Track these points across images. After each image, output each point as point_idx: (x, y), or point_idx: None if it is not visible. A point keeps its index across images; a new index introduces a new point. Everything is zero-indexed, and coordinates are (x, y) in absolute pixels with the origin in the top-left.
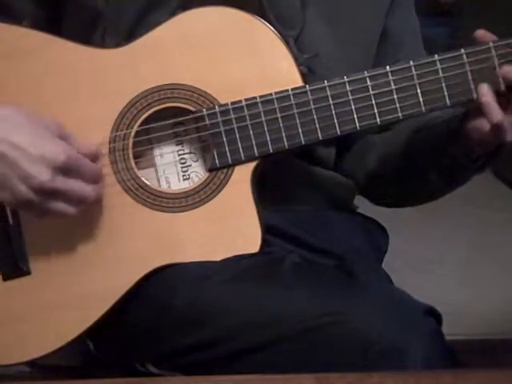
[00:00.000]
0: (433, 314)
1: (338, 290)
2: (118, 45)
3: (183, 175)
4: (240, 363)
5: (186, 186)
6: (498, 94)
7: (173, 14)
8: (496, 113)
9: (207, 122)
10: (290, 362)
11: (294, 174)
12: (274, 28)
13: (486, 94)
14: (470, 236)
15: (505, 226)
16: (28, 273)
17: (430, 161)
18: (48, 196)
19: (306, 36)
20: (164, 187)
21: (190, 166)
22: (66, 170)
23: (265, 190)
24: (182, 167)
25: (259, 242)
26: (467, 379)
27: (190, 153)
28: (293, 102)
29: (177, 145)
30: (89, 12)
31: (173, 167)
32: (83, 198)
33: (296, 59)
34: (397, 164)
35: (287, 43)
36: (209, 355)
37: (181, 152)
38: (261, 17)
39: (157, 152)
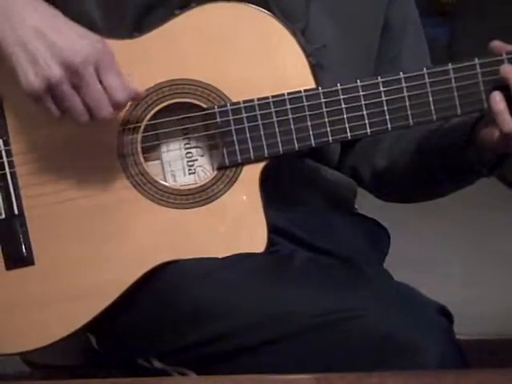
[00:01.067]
0: (444, 313)
1: (351, 287)
2: (131, 36)
3: (189, 169)
4: (248, 359)
5: (191, 179)
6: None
7: (172, 13)
8: (507, 122)
9: (218, 119)
10: (304, 357)
11: (297, 174)
12: None
13: (498, 102)
14: (470, 236)
15: (505, 226)
16: (32, 263)
17: (442, 161)
18: (72, 84)
19: (311, 29)
20: (170, 181)
21: (196, 160)
22: (99, 66)
23: (267, 190)
24: (188, 161)
25: (265, 241)
26: (467, 379)
27: (197, 147)
28: (305, 103)
29: (184, 139)
30: (84, 17)
31: (179, 162)
32: (99, 109)
33: (305, 51)
34: (407, 162)
35: (298, 38)
36: (216, 350)
37: (187, 146)
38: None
39: (164, 146)
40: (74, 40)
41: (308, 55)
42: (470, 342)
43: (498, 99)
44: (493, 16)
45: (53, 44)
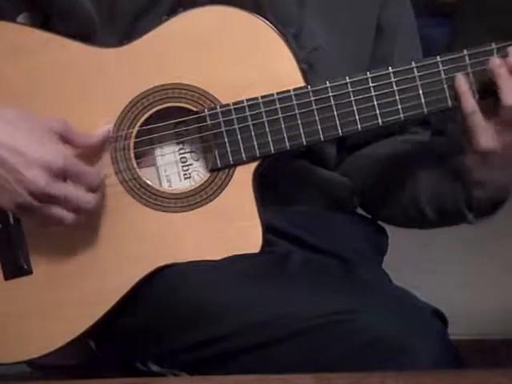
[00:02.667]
0: (439, 316)
1: (346, 289)
2: (120, 43)
3: (184, 174)
4: (246, 361)
5: (187, 184)
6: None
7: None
8: (470, 102)
9: (208, 122)
10: (298, 359)
11: (295, 174)
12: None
13: (462, 84)
14: (469, 236)
15: (505, 227)
16: (30, 272)
17: (432, 200)
18: (46, 201)
19: (304, 32)
20: (165, 186)
21: (191, 164)
22: (63, 175)
23: (265, 190)
24: (182, 166)
25: (260, 242)
26: (467, 379)
27: (191, 152)
28: (294, 102)
29: (178, 144)
30: (80, 21)
31: (174, 166)
32: (82, 205)
33: (297, 56)
34: (397, 193)
35: (287, 40)
36: (213, 352)
37: (182, 151)
38: (258, 15)
39: (158, 151)
40: (35, 161)
41: (299, 59)
42: (469, 342)
43: (462, 82)
44: (492, 16)
45: (15, 171)
